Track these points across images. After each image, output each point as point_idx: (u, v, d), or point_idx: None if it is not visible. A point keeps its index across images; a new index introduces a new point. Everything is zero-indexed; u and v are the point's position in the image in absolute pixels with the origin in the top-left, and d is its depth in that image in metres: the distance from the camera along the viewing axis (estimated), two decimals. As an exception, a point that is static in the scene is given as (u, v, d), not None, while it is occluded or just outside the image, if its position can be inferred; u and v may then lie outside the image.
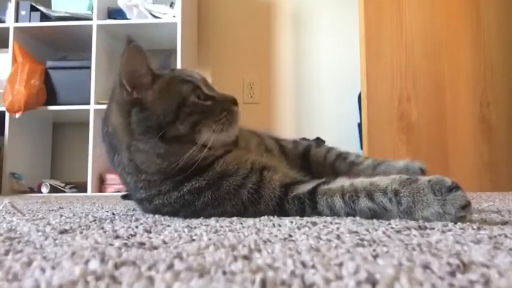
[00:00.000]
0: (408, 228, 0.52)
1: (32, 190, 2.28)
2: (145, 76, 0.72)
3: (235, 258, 0.36)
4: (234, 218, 0.69)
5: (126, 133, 0.72)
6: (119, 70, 0.71)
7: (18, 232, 0.54)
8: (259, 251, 0.39)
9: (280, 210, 0.72)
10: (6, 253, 0.40)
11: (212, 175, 0.72)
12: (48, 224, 0.63)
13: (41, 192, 2.22)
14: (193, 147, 0.70)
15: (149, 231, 0.54)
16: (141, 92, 0.72)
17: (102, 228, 0.58)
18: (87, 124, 2.25)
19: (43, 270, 0.32)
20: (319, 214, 0.70)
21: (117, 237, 0.49)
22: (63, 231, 0.54)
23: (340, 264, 0.33)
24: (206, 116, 0.73)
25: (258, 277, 0.29)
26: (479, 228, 0.53)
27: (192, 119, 0.72)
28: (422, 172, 0.85)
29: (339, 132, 2.51)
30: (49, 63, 2.35)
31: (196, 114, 0.72)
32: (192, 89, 0.74)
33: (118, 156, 0.75)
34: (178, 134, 0.71)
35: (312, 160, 0.92)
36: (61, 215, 0.79)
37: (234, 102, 0.78)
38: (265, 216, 0.70)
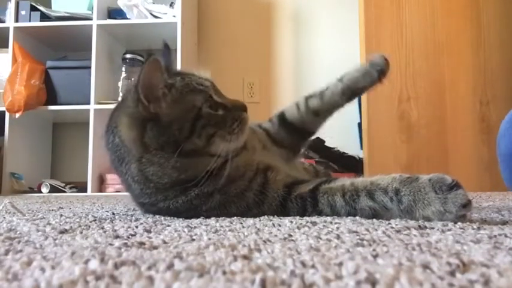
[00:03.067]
0: (408, 228, 0.52)
1: (32, 190, 2.28)
2: (161, 89, 0.70)
3: (235, 258, 0.36)
4: (234, 218, 0.69)
5: (139, 146, 0.71)
6: (135, 83, 0.69)
7: (18, 232, 0.54)
8: (259, 250, 0.39)
9: (283, 210, 0.72)
10: (6, 253, 0.40)
11: (222, 180, 0.72)
12: (48, 223, 0.63)
13: (41, 192, 2.22)
14: (210, 159, 0.69)
15: (149, 231, 0.54)
16: (156, 105, 0.70)
17: (102, 228, 0.58)
18: (87, 124, 2.25)
19: (43, 270, 0.32)
20: (320, 213, 0.70)
21: (117, 237, 0.49)
22: (63, 231, 0.54)
23: (340, 264, 0.33)
24: (220, 127, 0.72)
25: (258, 277, 0.29)
26: (479, 228, 0.53)
27: (208, 131, 0.71)
28: (385, 60, 0.84)
29: (339, 132, 2.50)
30: (49, 63, 2.35)
31: (211, 127, 0.71)
32: (205, 99, 0.72)
33: (126, 165, 0.74)
34: (195, 148, 0.70)
35: (290, 120, 0.90)
36: (61, 215, 0.78)
37: (244, 109, 0.76)
38: (265, 216, 0.70)
